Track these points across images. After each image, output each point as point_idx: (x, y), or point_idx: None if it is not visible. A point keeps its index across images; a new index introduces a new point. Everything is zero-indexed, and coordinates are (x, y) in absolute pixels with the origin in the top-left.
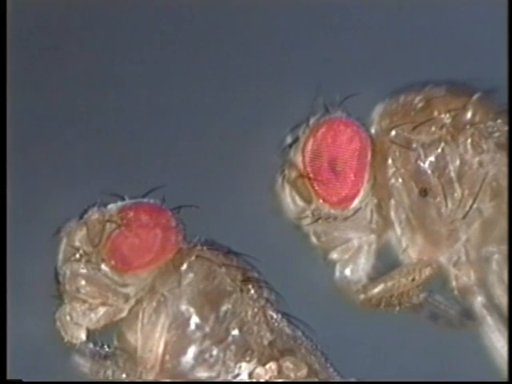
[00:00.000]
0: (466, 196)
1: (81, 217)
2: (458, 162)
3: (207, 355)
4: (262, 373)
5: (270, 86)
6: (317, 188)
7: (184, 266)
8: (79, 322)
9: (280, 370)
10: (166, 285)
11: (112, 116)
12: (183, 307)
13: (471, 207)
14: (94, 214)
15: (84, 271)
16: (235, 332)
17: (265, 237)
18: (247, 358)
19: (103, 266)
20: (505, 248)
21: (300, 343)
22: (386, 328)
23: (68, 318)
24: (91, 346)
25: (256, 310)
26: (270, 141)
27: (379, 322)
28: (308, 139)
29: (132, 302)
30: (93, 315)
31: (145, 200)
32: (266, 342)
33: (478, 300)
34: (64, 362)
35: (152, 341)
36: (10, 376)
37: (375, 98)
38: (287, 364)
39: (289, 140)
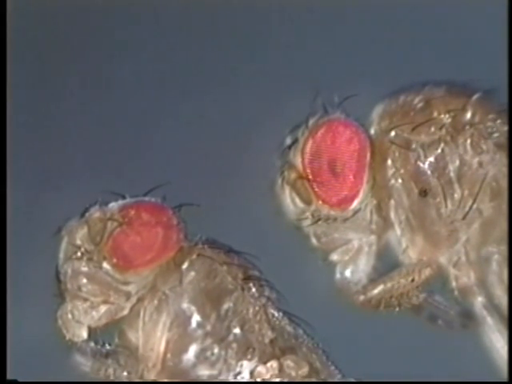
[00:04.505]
0: (466, 196)
1: (82, 215)
2: (457, 163)
3: (208, 353)
4: (264, 371)
5: (270, 86)
6: (316, 189)
7: (185, 265)
8: (81, 320)
9: (281, 369)
10: (168, 283)
11: (112, 115)
12: (184, 305)
13: (471, 208)
14: (95, 213)
15: (85, 269)
16: (236, 330)
17: (265, 236)
18: (248, 357)
19: (105, 264)
20: (504, 248)
21: (301, 341)
22: (386, 328)
23: (69, 316)
24: (92, 344)
25: (257, 308)
26: (270, 141)
27: (380, 321)
28: (307, 140)
29: (133, 300)
30: (94, 313)
31: (146, 198)
32: (267, 341)
33: (478, 300)
34: (65, 361)
35: (153, 339)
36: (9, 376)
37: (374, 98)
38: (288, 362)
39: (288, 141)
